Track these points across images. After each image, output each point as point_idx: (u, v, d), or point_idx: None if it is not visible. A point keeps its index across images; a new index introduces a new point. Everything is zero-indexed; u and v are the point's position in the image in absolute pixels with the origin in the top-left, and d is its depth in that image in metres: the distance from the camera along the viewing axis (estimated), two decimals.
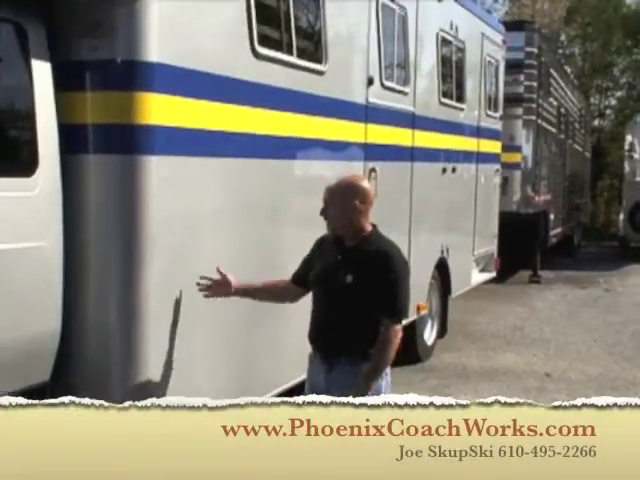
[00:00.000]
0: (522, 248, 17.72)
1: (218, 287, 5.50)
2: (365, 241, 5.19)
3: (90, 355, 5.25)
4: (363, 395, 4.86)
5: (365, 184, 5.41)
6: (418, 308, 9.89)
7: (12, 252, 4.74)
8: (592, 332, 13.31)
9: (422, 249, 10.01)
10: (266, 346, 6.66)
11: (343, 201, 5.19)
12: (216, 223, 5.95)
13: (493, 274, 14.24)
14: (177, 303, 5.49)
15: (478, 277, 13.48)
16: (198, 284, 5.47)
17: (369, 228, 5.26)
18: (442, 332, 11.65)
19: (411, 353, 10.16)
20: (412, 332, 9.96)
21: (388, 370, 5.19)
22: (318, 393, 5.10)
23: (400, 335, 5.12)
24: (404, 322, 5.31)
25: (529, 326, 13.68)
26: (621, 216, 27.83)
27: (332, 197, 5.25)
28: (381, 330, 5.03)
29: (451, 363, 10.93)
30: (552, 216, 20.58)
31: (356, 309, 5.08)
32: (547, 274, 19.41)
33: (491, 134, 13.62)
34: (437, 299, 11.37)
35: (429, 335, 11.19)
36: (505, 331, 13.23)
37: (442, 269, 11.22)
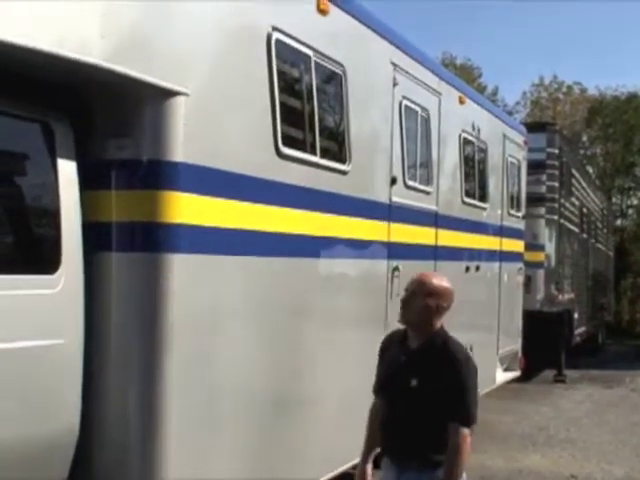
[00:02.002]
0: (546, 347, 17.57)
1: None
2: (430, 342, 5.01)
3: (109, 454, 5.19)
4: None
5: (451, 287, 5.24)
6: None
7: (33, 350, 4.72)
8: (618, 433, 13.10)
9: None
10: (291, 444, 6.58)
11: (430, 299, 5.04)
12: (239, 321, 5.93)
13: (518, 373, 14.11)
14: (198, 401, 5.46)
15: (502, 376, 13.35)
16: None
17: (437, 328, 5.10)
18: None
19: None
20: None
21: (464, 476, 4.98)
22: None
23: (470, 440, 4.88)
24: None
25: (554, 426, 13.48)
26: None
27: (422, 292, 5.06)
28: (451, 436, 4.82)
29: (476, 464, 10.70)
30: (576, 315, 20.45)
31: (421, 413, 4.90)
32: (572, 373, 19.18)
33: (514, 233, 13.64)
34: None
35: None
36: (530, 431, 13.04)
37: None
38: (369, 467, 5.24)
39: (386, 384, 5.14)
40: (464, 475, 4.95)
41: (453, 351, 4.98)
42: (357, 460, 6.73)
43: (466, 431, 4.85)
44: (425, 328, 5.04)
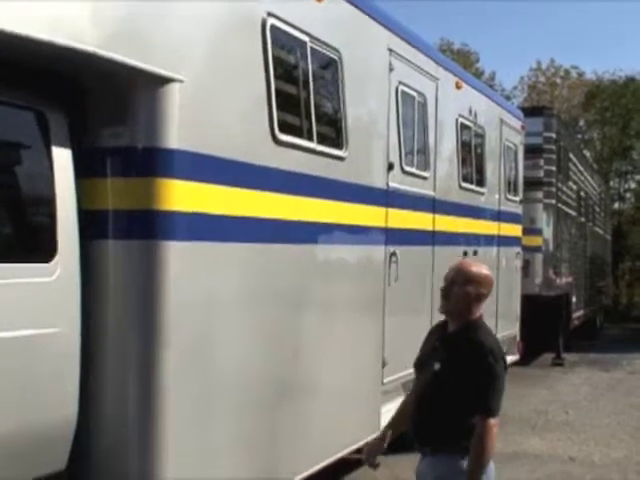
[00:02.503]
0: (545, 331, 17.63)
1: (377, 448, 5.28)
2: (464, 329, 4.97)
3: (107, 445, 5.18)
4: None
5: (490, 274, 5.16)
6: None
7: (29, 339, 4.71)
8: (616, 415, 13.14)
9: None
10: (290, 433, 6.58)
11: (470, 286, 4.96)
12: (236, 308, 5.92)
13: (516, 357, 14.13)
14: (196, 389, 5.45)
15: None
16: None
17: (474, 317, 5.03)
18: None
19: None
20: None
21: (491, 464, 4.91)
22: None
23: (496, 430, 4.80)
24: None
25: (553, 410, 13.51)
26: None
27: (461, 280, 4.97)
28: (477, 426, 4.74)
29: None
30: (574, 298, 20.48)
31: (440, 399, 4.86)
32: (570, 357, 19.24)
33: (512, 217, 13.65)
34: None
35: None
36: (529, 414, 13.06)
37: None
38: (382, 444, 5.20)
39: (418, 367, 5.15)
40: (491, 464, 4.89)
41: (482, 342, 4.92)
42: (356, 446, 6.79)
43: (492, 421, 4.78)
44: (463, 316, 4.99)
